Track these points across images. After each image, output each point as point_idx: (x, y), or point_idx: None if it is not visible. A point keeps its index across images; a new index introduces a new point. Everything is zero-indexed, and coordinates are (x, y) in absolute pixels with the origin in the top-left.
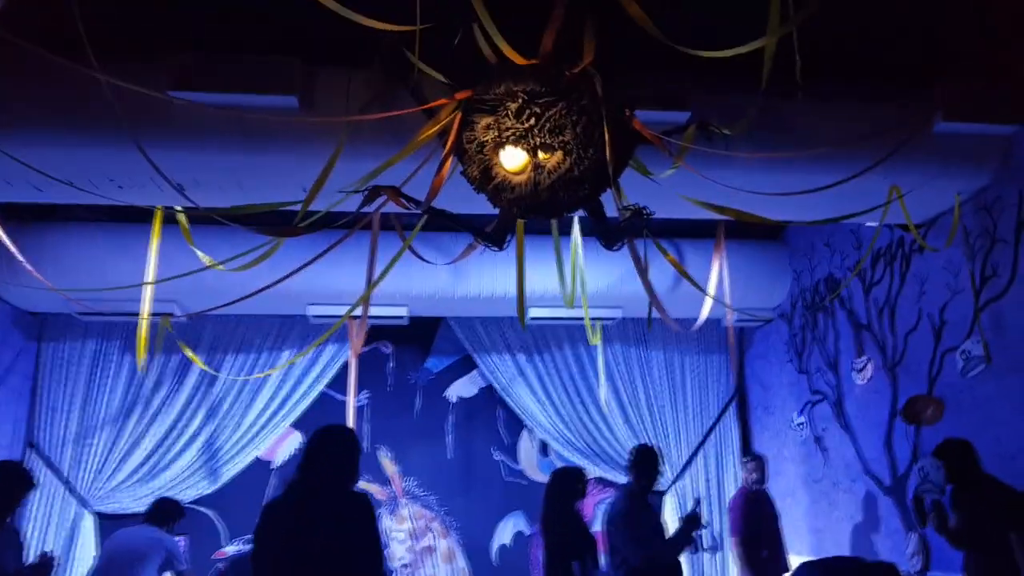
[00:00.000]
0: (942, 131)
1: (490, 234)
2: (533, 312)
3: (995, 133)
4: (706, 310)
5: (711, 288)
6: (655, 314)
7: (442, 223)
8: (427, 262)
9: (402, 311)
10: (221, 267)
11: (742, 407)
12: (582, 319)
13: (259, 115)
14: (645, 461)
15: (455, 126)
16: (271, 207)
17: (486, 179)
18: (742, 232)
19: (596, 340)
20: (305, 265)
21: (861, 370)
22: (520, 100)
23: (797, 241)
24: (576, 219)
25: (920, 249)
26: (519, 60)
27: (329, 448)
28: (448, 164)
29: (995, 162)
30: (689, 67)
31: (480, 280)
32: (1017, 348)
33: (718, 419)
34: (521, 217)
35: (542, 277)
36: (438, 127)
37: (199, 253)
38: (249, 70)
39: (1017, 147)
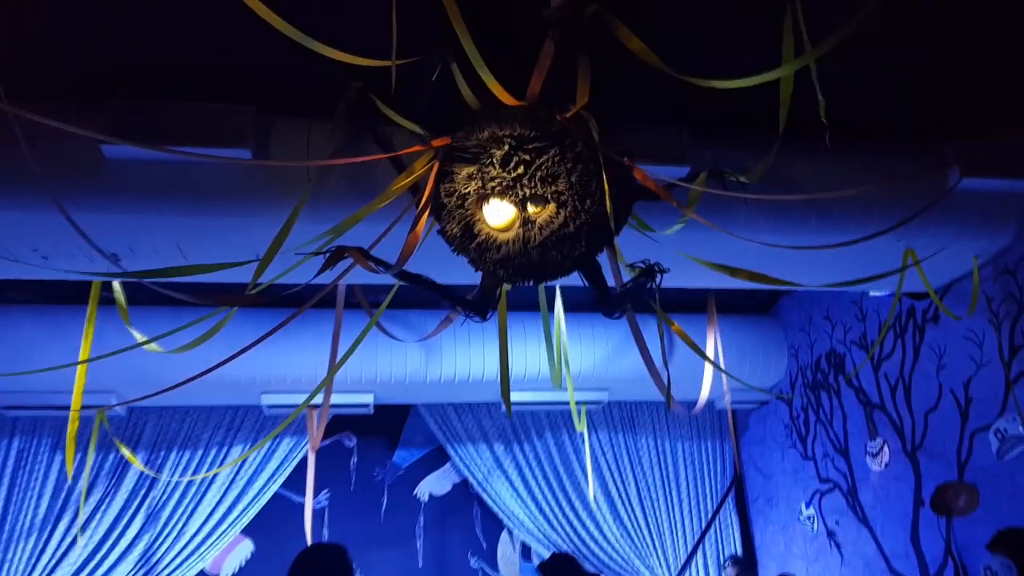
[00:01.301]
0: (961, 189)
1: (472, 302)
2: (513, 396)
3: (1015, 189)
4: (706, 389)
5: (708, 366)
6: (649, 397)
7: (416, 293)
8: (396, 339)
9: (367, 398)
10: (157, 348)
11: (740, 498)
12: (565, 403)
13: (207, 170)
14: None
15: (431, 177)
16: (218, 268)
17: (468, 237)
18: (730, 306)
19: (582, 426)
20: (258, 341)
21: (876, 454)
22: (507, 146)
23: (791, 315)
24: (558, 289)
25: (935, 318)
26: (508, 99)
27: None
28: (423, 220)
29: (1015, 221)
30: (686, 120)
31: (455, 361)
32: None
33: (715, 513)
34: (508, 281)
35: (519, 357)
36: (411, 178)
37: (134, 332)
38: (195, 119)
39: None
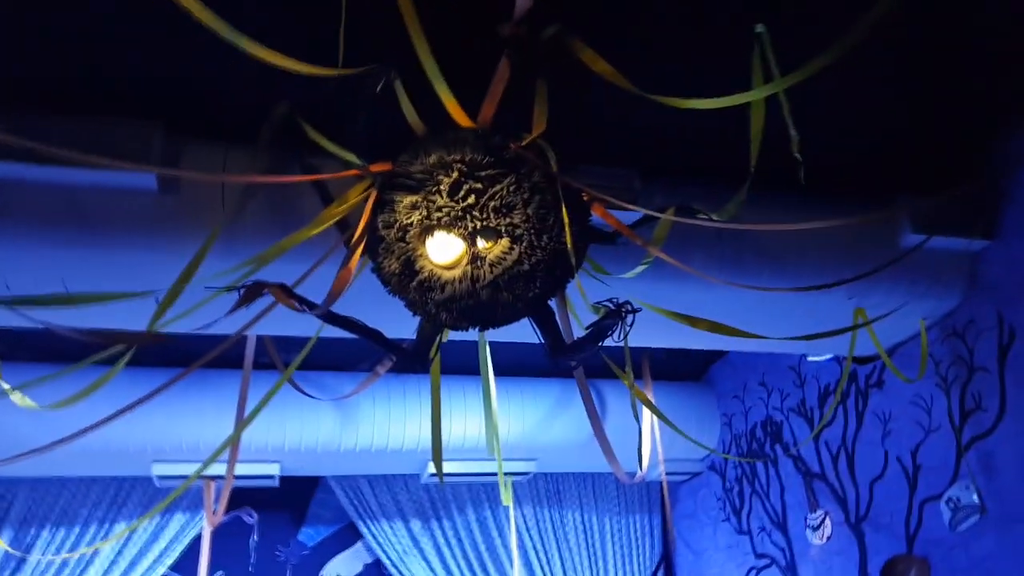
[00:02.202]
0: (910, 245)
1: (408, 351)
2: (432, 467)
3: (965, 249)
4: (647, 458)
5: (646, 433)
6: (577, 467)
7: (331, 354)
8: (312, 397)
9: (273, 469)
10: (29, 402)
11: None
12: (490, 475)
13: (103, 195)
14: None
15: (368, 207)
16: (108, 298)
17: (408, 275)
18: (660, 372)
19: (508, 499)
20: (151, 395)
21: (817, 527)
22: (457, 172)
23: (725, 383)
24: (486, 345)
25: (879, 383)
26: (462, 119)
27: None
28: (357, 255)
29: (962, 282)
30: (638, 163)
31: (372, 427)
32: (1017, 492)
33: None
34: (451, 326)
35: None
36: (345, 207)
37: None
38: (90, 135)
39: (987, 264)
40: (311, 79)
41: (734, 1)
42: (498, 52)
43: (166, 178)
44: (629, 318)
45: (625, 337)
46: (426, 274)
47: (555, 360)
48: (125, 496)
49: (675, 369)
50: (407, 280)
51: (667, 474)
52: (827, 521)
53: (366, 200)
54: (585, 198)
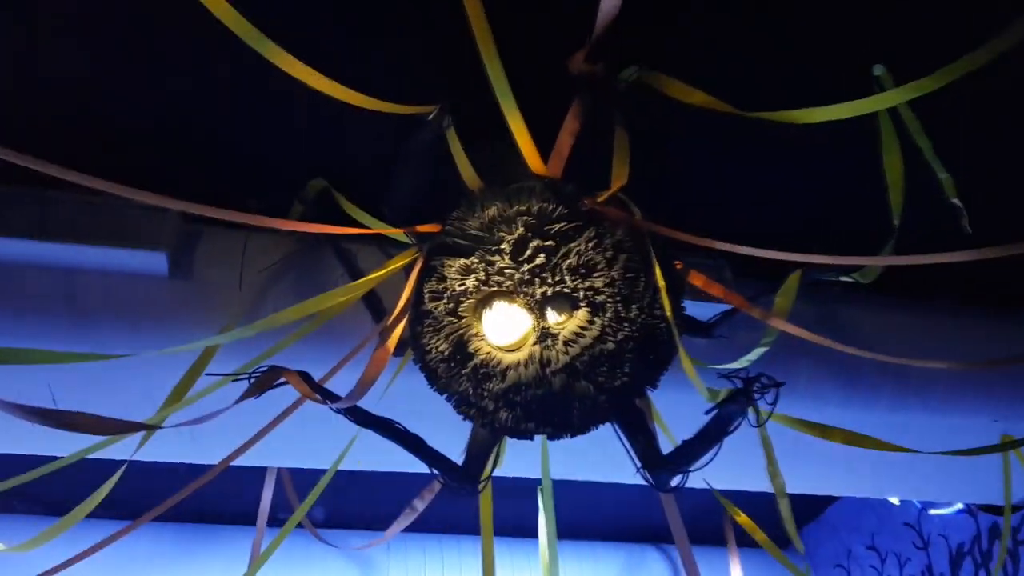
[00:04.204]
0: None
1: (458, 466)
2: None
3: None
4: None
5: None
6: None
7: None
8: (331, 545)
9: None
10: None
11: None
12: None
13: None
14: None
15: (413, 276)
16: (79, 358)
17: (459, 360)
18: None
19: None
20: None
21: None
22: (522, 226)
23: (822, 548)
24: (541, 494)
25: None
26: (537, 165)
27: None
28: (397, 334)
29: None
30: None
31: None
32: None
33: None
34: (512, 429)
35: None
36: (383, 271)
37: None
38: (95, 214)
39: None
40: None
41: None
42: (565, 92)
43: (178, 261)
44: (767, 394)
45: (763, 424)
46: (482, 359)
47: (653, 476)
48: None
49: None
50: (458, 367)
51: None
52: None
53: (409, 271)
54: (678, 266)
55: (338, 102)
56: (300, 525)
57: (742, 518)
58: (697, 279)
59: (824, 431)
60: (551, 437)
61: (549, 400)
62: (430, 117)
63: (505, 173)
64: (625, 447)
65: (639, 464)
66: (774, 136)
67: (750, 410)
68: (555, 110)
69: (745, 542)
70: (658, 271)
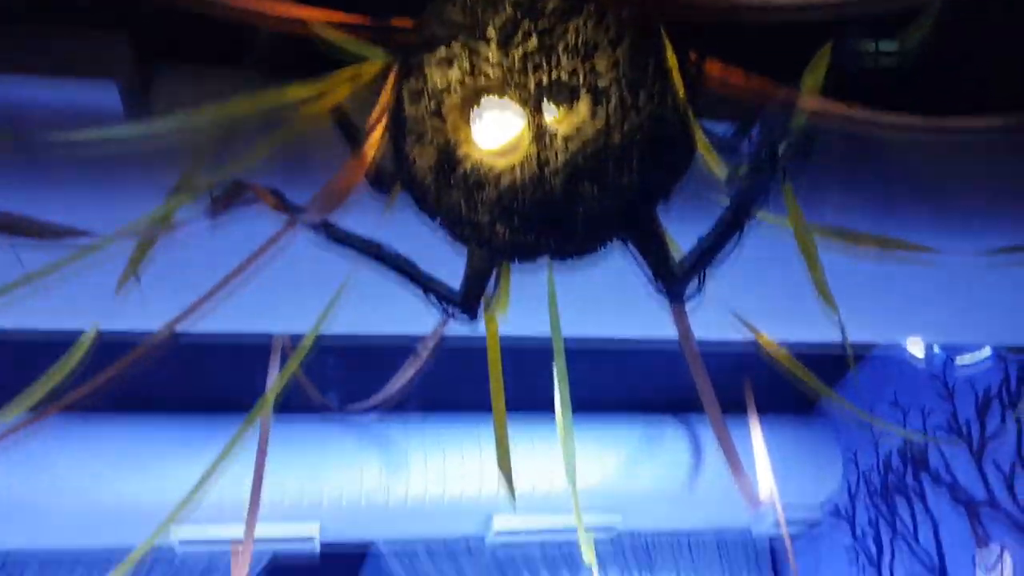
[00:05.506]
0: None
1: (454, 290)
2: (498, 524)
3: None
4: (766, 485)
5: (761, 473)
6: (671, 524)
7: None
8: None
9: (311, 529)
10: None
11: None
12: (566, 532)
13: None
14: None
15: (391, 78)
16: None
17: (447, 170)
18: (759, 405)
19: (591, 557)
20: None
21: (993, 567)
22: (510, 6)
23: (842, 411)
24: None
25: None
26: None
27: None
28: (374, 140)
29: None
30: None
31: (424, 474)
32: None
33: None
34: (510, 243)
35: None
36: (356, 71)
37: None
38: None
39: None
40: None
41: None
42: None
43: (133, 95)
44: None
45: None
46: (471, 166)
47: (668, 289)
48: (146, 572)
49: (779, 401)
50: (445, 179)
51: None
52: (1005, 557)
53: (387, 74)
54: (693, 56)
55: None
56: (315, 408)
57: (766, 341)
58: (713, 67)
59: (856, 237)
60: (555, 255)
61: (549, 206)
62: None
63: None
64: (634, 256)
65: (650, 273)
66: None
67: (775, 180)
68: None
69: (764, 408)
70: (670, 53)
